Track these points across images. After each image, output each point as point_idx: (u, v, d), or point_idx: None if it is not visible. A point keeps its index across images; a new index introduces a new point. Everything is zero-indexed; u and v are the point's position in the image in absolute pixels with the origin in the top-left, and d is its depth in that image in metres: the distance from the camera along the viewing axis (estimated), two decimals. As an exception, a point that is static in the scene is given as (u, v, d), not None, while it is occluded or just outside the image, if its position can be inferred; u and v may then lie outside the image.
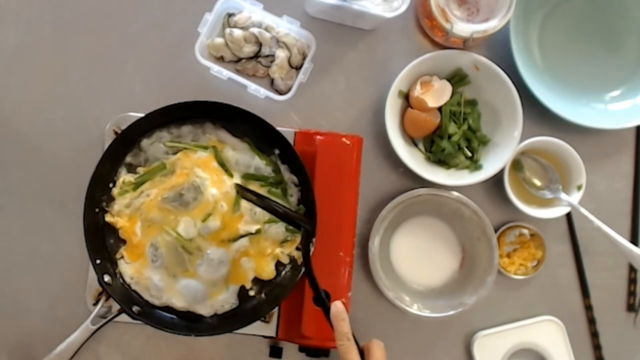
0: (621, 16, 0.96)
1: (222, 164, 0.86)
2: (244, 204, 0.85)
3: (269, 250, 0.86)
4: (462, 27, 0.86)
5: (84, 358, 0.87)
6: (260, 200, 0.83)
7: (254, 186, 0.86)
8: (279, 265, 0.87)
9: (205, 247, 0.84)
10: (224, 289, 0.86)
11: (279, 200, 0.86)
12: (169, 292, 0.85)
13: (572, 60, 0.96)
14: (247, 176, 0.86)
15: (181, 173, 0.85)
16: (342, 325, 0.71)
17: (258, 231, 0.85)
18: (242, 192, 0.84)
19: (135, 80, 0.92)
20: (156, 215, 0.85)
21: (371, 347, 0.71)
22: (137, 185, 0.85)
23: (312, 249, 0.82)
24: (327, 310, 0.73)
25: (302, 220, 0.82)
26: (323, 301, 0.74)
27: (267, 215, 0.85)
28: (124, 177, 0.86)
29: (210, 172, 0.85)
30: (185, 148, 0.86)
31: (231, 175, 0.86)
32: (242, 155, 0.87)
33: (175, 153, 0.87)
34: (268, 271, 0.86)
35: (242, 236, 0.85)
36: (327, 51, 0.92)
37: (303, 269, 0.82)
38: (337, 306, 0.72)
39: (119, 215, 0.85)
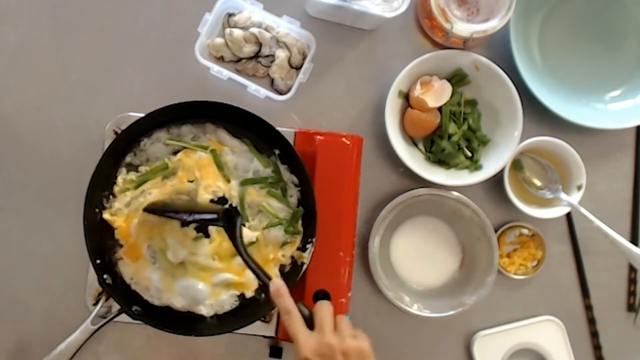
0: (621, 16, 0.96)
1: (220, 167, 0.86)
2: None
3: (271, 255, 0.86)
4: (462, 27, 0.86)
5: (84, 358, 0.87)
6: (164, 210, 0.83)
7: (253, 190, 0.86)
8: (280, 267, 0.87)
9: (204, 262, 0.85)
10: (225, 290, 0.86)
11: (273, 202, 0.86)
12: (168, 292, 0.85)
13: (572, 60, 0.96)
14: (245, 182, 0.86)
15: (183, 176, 0.85)
16: (281, 301, 0.71)
17: (257, 238, 0.85)
18: (149, 211, 0.84)
19: (135, 80, 0.92)
20: (153, 218, 0.84)
21: (315, 310, 0.72)
22: (138, 183, 0.85)
23: (311, 250, 0.82)
24: (267, 290, 0.73)
25: (214, 210, 0.82)
26: (263, 282, 0.73)
27: (264, 222, 0.86)
28: (126, 175, 0.86)
29: (207, 176, 0.85)
30: (185, 147, 0.86)
31: (228, 181, 0.86)
32: (241, 160, 0.87)
33: (175, 153, 0.87)
34: (273, 276, 0.86)
35: None
36: (327, 51, 0.92)
37: (303, 269, 0.82)
38: (274, 283, 0.72)
39: (116, 214, 0.85)
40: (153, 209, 0.83)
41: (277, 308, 0.72)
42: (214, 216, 0.81)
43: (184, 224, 0.85)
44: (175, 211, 0.83)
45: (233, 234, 0.77)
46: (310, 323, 0.71)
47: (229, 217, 0.79)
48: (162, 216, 0.83)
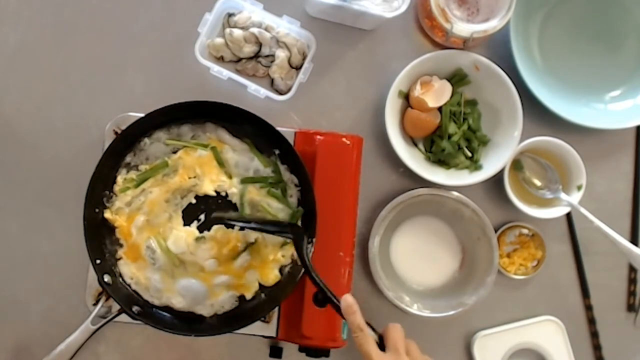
0: (621, 16, 0.96)
1: (221, 164, 0.86)
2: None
3: (271, 256, 0.85)
4: (462, 27, 0.86)
5: (84, 358, 0.87)
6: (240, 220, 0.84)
7: (253, 189, 0.86)
8: (280, 267, 0.87)
9: (204, 261, 0.85)
10: (225, 290, 0.86)
11: (273, 202, 0.86)
12: (168, 292, 0.85)
13: (572, 60, 0.96)
14: (246, 180, 0.86)
15: (184, 173, 0.85)
16: (354, 318, 0.72)
17: (255, 239, 0.85)
18: (218, 219, 0.84)
19: (135, 80, 0.92)
20: (154, 217, 0.85)
21: (387, 331, 0.73)
22: (139, 182, 0.85)
23: (311, 250, 0.82)
24: (337, 307, 0.73)
25: (282, 222, 0.83)
26: (330, 299, 0.74)
27: None
28: (126, 175, 0.86)
29: (210, 172, 0.85)
30: (185, 146, 0.86)
31: (230, 178, 0.86)
32: (241, 158, 0.87)
33: (175, 152, 0.87)
34: (273, 277, 0.86)
35: (243, 250, 0.85)
36: (327, 51, 0.92)
37: (303, 269, 0.82)
38: (346, 300, 0.73)
39: (117, 213, 0.85)
40: (221, 218, 0.85)
41: (349, 325, 0.72)
42: (284, 227, 0.82)
43: (188, 222, 0.86)
44: (246, 220, 0.84)
45: (300, 248, 0.78)
46: (378, 345, 0.71)
47: (296, 231, 0.80)
48: (228, 225, 0.84)
